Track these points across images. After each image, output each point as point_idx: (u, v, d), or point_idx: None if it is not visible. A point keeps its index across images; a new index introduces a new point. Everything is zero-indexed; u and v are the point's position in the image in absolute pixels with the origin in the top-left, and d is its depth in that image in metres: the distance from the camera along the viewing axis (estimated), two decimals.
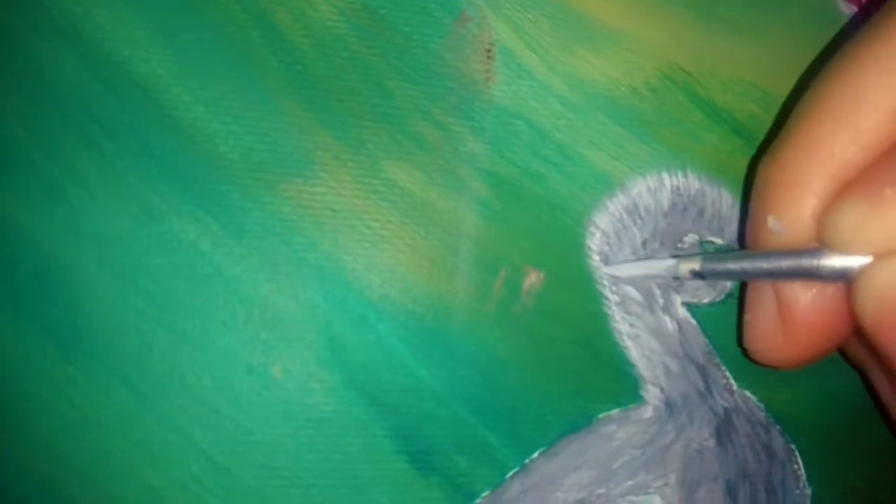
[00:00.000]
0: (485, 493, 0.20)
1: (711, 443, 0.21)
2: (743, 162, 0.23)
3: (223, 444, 0.18)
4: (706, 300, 0.22)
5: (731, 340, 0.22)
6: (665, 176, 0.22)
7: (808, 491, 0.23)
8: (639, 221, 0.21)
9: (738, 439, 0.22)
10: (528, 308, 0.21)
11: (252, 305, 0.19)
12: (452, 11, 0.21)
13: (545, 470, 0.20)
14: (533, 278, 0.21)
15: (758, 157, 0.21)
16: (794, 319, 0.19)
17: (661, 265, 0.21)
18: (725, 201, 0.22)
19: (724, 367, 0.22)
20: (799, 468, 0.23)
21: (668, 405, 0.21)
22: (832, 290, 0.19)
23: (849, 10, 0.26)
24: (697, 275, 0.20)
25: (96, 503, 0.18)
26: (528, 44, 0.21)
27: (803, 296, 0.19)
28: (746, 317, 0.20)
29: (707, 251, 0.22)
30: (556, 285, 0.21)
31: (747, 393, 0.22)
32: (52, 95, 0.19)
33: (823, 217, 0.18)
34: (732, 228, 0.22)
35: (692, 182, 0.22)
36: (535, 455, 0.20)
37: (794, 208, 0.18)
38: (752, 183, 0.20)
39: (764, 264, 0.19)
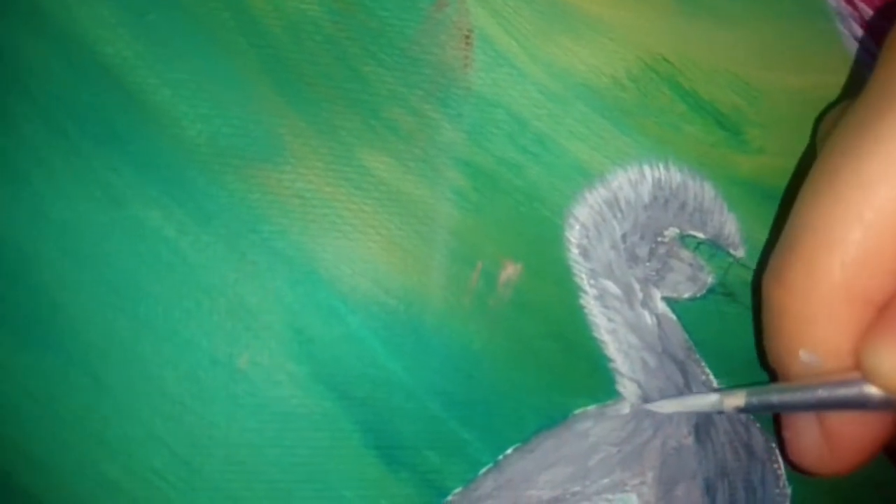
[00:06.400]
0: (457, 490, 0.19)
1: (690, 440, 0.21)
2: (726, 154, 0.22)
3: (186, 438, 0.18)
4: (686, 295, 0.22)
5: (711, 336, 0.22)
6: (646, 168, 0.21)
7: (789, 490, 0.22)
8: (619, 214, 0.21)
9: (717, 437, 0.21)
10: (505, 301, 0.20)
11: (217, 295, 0.18)
12: None
13: (519, 466, 0.20)
14: (510, 271, 0.20)
15: (761, 268, 0.21)
16: (839, 440, 0.19)
17: (705, 401, 0.20)
18: (708, 194, 0.22)
19: (703, 363, 0.22)
20: (779, 467, 0.22)
21: (646, 401, 0.21)
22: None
23: (835, 2, 0.25)
24: (742, 410, 0.20)
25: (54, 496, 0.18)
26: (507, 30, 0.21)
27: (847, 418, 0.19)
28: (786, 434, 0.20)
29: (690, 244, 0.22)
30: (533, 278, 0.20)
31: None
32: (15, 78, 0.19)
33: (860, 358, 0.18)
34: (714, 222, 0.22)
35: (674, 175, 0.22)
36: (509, 451, 0.20)
37: (824, 342, 0.18)
38: (762, 300, 0.20)
39: (810, 397, 0.19)
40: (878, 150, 0.18)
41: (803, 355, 0.19)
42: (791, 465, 0.21)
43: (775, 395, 0.20)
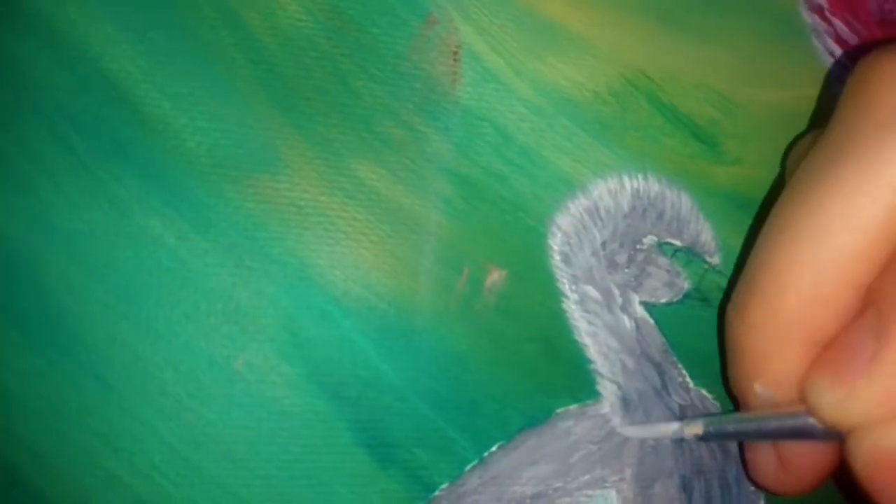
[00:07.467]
0: (443, 486, 0.20)
1: (667, 439, 0.22)
2: (703, 166, 0.23)
3: (185, 435, 0.19)
4: (664, 300, 0.22)
5: (687, 339, 0.23)
6: (626, 179, 0.22)
7: None
8: (599, 223, 0.22)
9: None
10: (490, 305, 0.21)
11: (215, 299, 0.19)
12: (420, 14, 0.21)
13: (503, 463, 0.21)
14: (495, 276, 0.21)
15: (725, 301, 0.22)
16: (792, 465, 0.20)
17: (668, 429, 0.21)
18: (685, 204, 0.23)
19: (680, 366, 0.22)
20: None
21: (625, 401, 0.22)
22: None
23: (811, 18, 0.26)
24: (702, 438, 0.21)
25: (60, 492, 0.18)
26: (493, 47, 0.22)
27: (798, 446, 0.20)
28: (748, 455, 0.22)
29: (667, 252, 0.23)
30: (517, 284, 0.21)
31: (703, 391, 0.23)
32: (23, 91, 0.19)
33: (804, 393, 0.19)
34: (691, 230, 0.23)
35: (652, 185, 0.22)
36: (494, 448, 0.21)
37: (776, 377, 0.19)
38: (727, 332, 0.20)
39: (762, 427, 0.20)
40: (836, 194, 0.18)
41: (758, 388, 0.20)
42: (754, 484, 0.22)
43: (731, 425, 0.21)
